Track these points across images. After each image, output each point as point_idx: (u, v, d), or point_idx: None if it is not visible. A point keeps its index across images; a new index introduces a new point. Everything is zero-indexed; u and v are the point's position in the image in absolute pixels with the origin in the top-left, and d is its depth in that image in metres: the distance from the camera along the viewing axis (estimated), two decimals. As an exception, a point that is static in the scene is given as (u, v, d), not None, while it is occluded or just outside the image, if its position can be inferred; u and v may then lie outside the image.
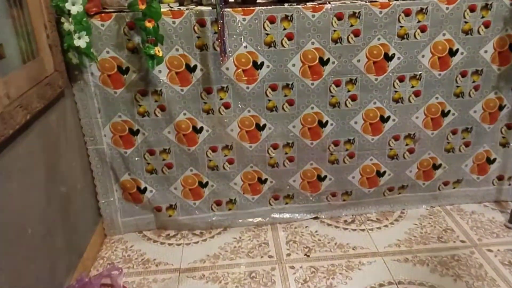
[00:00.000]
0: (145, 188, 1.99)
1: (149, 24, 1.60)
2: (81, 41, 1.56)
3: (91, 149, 1.87)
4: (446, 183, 2.16)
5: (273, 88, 1.85)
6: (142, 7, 1.57)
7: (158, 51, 1.65)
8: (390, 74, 1.87)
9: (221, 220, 2.08)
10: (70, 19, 1.51)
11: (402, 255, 1.85)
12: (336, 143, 1.99)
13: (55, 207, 1.56)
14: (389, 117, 1.95)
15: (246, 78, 1.82)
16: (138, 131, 1.88)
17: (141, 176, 1.97)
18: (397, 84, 1.89)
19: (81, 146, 1.84)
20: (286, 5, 1.74)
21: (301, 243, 1.95)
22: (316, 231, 2.03)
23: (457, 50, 1.87)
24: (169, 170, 1.97)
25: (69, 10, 1.49)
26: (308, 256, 1.87)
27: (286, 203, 2.11)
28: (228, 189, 2.04)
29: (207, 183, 2.02)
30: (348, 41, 1.80)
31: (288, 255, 1.88)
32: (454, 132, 2.03)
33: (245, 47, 1.77)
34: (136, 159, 1.93)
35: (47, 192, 1.49)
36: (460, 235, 1.96)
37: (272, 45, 1.77)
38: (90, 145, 1.87)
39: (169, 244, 1.99)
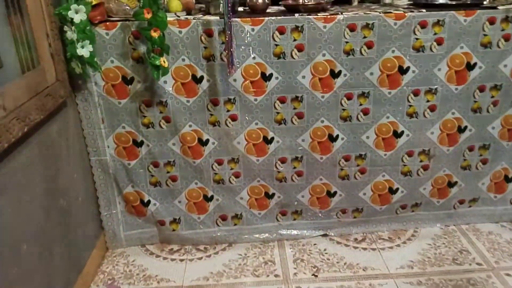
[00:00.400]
0: (149, 201, 1.94)
1: (154, 34, 1.55)
2: (84, 50, 1.52)
3: (93, 160, 1.83)
4: (461, 202, 2.07)
5: (282, 100, 1.79)
6: (148, 16, 1.53)
7: (164, 62, 1.60)
8: (405, 87, 1.80)
9: (226, 236, 2.01)
10: (73, 27, 1.47)
11: (415, 277, 1.76)
12: (347, 158, 1.91)
13: (54, 221, 1.51)
14: (402, 132, 1.88)
15: (254, 90, 1.76)
16: (142, 142, 1.83)
17: (145, 189, 1.92)
18: (411, 98, 1.82)
19: (83, 157, 1.79)
20: (296, 15, 1.68)
21: (309, 262, 1.87)
22: (324, 249, 1.95)
23: (475, 64, 1.79)
24: (173, 183, 1.91)
25: (72, 19, 1.45)
26: (316, 276, 1.79)
27: (294, 219, 2.04)
28: (233, 204, 1.98)
29: (212, 197, 1.95)
30: (361, 53, 1.73)
31: (295, 274, 1.81)
32: (471, 149, 1.95)
33: (254, 58, 1.71)
34: (140, 171, 1.88)
35: (45, 206, 1.44)
36: (476, 257, 1.87)
37: (282, 56, 1.71)
38: (93, 156, 1.82)
39: (172, 260, 1.93)
